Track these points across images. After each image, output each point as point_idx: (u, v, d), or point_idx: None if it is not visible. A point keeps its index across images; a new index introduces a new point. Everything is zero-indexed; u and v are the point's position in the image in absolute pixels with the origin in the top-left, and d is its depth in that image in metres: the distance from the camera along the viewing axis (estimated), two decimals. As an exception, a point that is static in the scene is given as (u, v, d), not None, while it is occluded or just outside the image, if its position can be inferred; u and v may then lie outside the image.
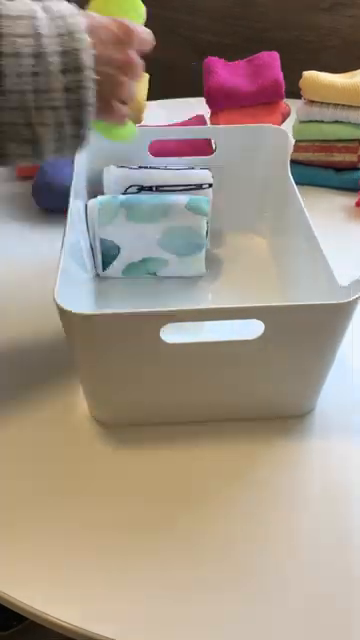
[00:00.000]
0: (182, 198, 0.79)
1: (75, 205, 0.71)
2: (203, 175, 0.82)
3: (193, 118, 1.04)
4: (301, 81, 1.01)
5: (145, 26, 0.61)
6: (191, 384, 0.61)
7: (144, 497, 0.58)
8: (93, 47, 0.51)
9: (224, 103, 1.00)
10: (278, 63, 1.02)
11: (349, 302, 0.55)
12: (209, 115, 1.05)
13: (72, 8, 0.53)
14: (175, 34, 1.55)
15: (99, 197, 0.79)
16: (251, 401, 0.63)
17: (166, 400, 0.63)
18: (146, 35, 0.59)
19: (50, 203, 0.94)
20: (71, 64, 0.50)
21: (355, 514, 0.57)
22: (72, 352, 0.59)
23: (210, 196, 0.82)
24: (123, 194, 0.81)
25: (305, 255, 0.70)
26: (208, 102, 1.02)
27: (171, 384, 0.61)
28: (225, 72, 1.02)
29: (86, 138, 0.54)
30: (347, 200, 1.01)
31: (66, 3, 0.53)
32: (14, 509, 0.58)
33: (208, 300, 0.80)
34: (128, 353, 0.57)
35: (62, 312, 0.54)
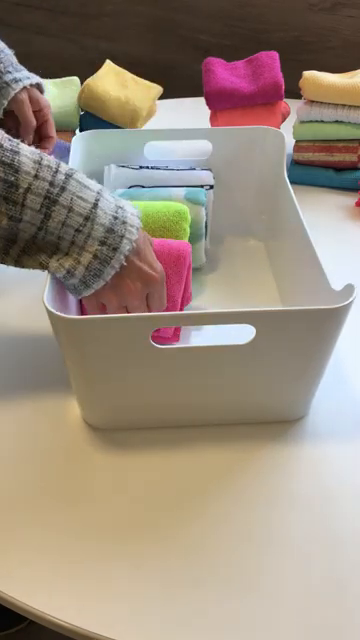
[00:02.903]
0: (180, 190, 0.79)
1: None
2: (204, 176, 0.82)
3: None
4: (301, 81, 1.01)
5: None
6: (182, 389, 0.60)
7: (140, 499, 0.58)
8: (135, 245, 0.58)
9: (224, 103, 1.00)
10: (278, 64, 1.02)
11: (341, 307, 0.54)
12: (209, 115, 1.05)
13: (137, 211, 0.59)
14: (175, 34, 1.55)
15: None
16: (243, 406, 0.63)
17: (157, 404, 0.62)
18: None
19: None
20: (111, 242, 0.56)
21: (348, 516, 0.57)
22: (63, 355, 0.59)
23: (212, 197, 0.82)
24: (123, 193, 0.81)
25: (300, 259, 0.70)
26: (208, 102, 1.02)
27: (161, 389, 0.60)
28: (225, 72, 1.03)
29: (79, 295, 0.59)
30: (347, 200, 1.01)
31: (131, 205, 0.60)
32: (12, 510, 0.58)
33: (203, 302, 0.80)
34: (117, 357, 0.57)
35: (51, 316, 0.54)
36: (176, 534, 0.56)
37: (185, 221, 0.75)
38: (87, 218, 0.56)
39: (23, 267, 0.58)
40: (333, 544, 0.55)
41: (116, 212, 0.57)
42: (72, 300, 0.67)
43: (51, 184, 0.55)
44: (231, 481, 0.60)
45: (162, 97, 1.11)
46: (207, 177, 0.82)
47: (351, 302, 0.54)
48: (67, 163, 0.77)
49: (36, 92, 0.83)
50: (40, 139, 0.86)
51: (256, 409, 0.64)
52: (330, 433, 0.64)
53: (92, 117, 1.04)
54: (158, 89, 1.09)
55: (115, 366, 0.58)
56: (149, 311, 0.62)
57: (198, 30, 1.53)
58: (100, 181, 0.83)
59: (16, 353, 0.73)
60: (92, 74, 1.04)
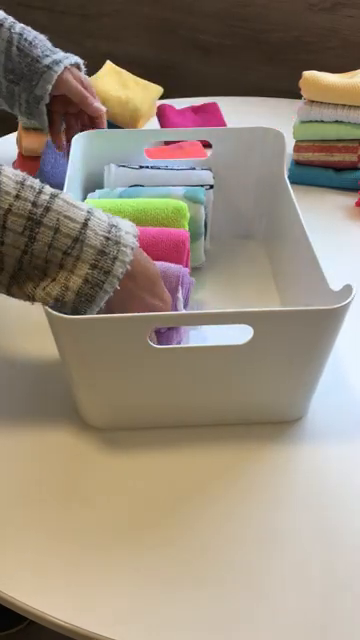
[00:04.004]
0: (179, 189, 0.79)
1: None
2: (204, 176, 0.82)
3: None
4: (301, 81, 1.01)
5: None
6: (181, 389, 0.60)
7: (139, 499, 0.58)
8: (131, 267, 0.54)
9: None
10: (220, 113, 1.19)
11: (339, 307, 0.54)
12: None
13: (133, 229, 0.56)
14: (175, 34, 1.55)
15: (97, 191, 0.79)
16: (242, 406, 0.63)
17: (156, 404, 0.62)
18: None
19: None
20: (102, 264, 0.53)
21: (347, 516, 0.57)
22: (61, 355, 0.59)
23: (212, 197, 0.82)
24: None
25: (299, 259, 0.70)
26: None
27: (160, 389, 0.60)
28: (177, 119, 1.16)
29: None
30: (347, 200, 1.01)
31: (131, 224, 0.57)
32: (12, 511, 0.58)
33: (203, 303, 0.80)
34: (115, 358, 0.57)
35: (49, 315, 0.54)
36: (176, 534, 0.56)
37: (184, 218, 0.75)
38: (76, 239, 0.52)
39: (14, 297, 0.56)
40: (333, 544, 0.55)
41: (109, 232, 0.54)
42: None
43: (34, 204, 0.52)
44: (230, 481, 0.60)
45: (162, 97, 1.11)
46: (207, 177, 0.82)
47: (349, 302, 0.54)
48: (66, 164, 0.77)
49: (77, 71, 0.83)
50: (91, 120, 0.86)
51: (255, 409, 0.63)
52: (329, 433, 0.64)
53: (92, 117, 1.04)
54: (158, 89, 1.10)
55: (114, 366, 0.58)
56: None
57: (198, 30, 1.53)
58: (100, 181, 0.83)
59: (15, 353, 0.73)
60: (92, 74, 1.04)
